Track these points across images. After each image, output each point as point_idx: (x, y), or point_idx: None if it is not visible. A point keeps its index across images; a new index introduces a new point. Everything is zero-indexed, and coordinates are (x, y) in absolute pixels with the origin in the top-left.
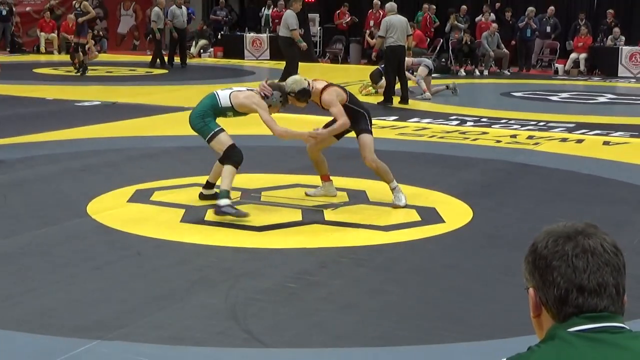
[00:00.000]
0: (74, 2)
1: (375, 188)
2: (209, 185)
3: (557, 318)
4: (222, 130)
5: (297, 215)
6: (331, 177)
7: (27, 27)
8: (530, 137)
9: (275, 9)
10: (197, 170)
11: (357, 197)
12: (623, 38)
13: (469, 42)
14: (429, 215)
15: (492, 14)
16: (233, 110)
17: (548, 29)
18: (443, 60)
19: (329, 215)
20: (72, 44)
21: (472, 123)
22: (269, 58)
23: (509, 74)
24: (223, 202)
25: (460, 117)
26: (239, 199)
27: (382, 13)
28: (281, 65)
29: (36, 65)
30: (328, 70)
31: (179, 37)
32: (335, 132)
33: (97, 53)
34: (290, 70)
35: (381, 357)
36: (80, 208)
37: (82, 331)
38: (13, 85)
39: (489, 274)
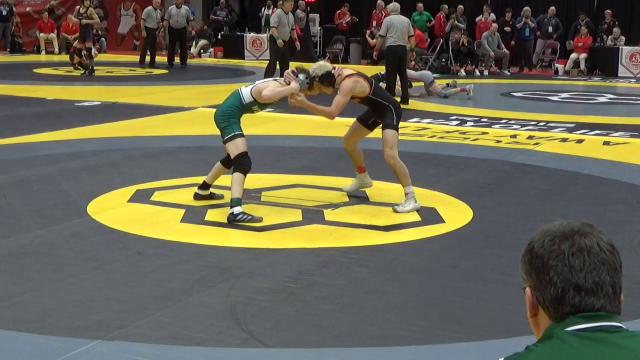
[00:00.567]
0: (78, 6)
1: (376, 188)
2: (205, 185)
3: (554, 317)
4: (242, 135)
5: (297, 215)
6: (331, 177)
7: (27, 27)
8: (530, 137)
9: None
10: (197, 171)
11: (357, 197)
12: (623, 38)
13: (466, 44)
14: (429, 215)
15: (491, 13)
16: (257, 104)
17: (550, 29)
18: (443, 60)
19: (329, 215)
20: (73, 45)
21: (472, 123)
22: (269, 58)
23: (509, 74)
24: (236, 209)
25: (460, 117)
26: None
27: (384, 13)
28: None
29: (36, 65)
30: None
31: (177, 38)
32: (315, 111)
33: (96, 53)
34: (269, 65)
35: (381, 357)
36: (80, 208)
37: (82, 331)
38: (13, 86)
39: (488, 274)
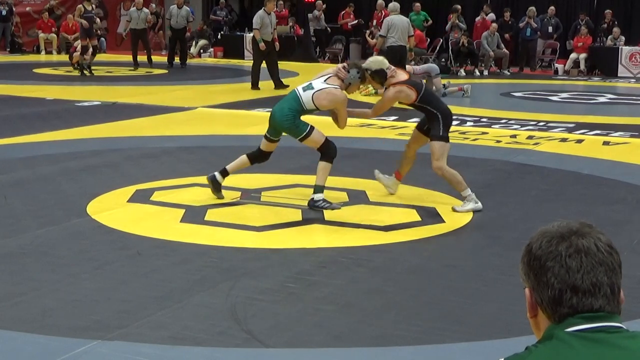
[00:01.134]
0: (80, 5)
1: (376, 188)
2: (224, 172)
3: (553, 318)
4: (312, 128)
5: (297, 216)
6: (332, 177)
7: (27, 27)
8: (530, 137)
9: (275, 9)
10: (196, 171)
11: (357, 197)
12: (623, 38)
13: (466, 44)
14: (429, 215)
15: (490, 14)
16: (318, 110)
17: (550, 29)
18: (443, 60)
19: (328, 215)
20: (73, 45)
21: (472, 123)
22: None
23: (509, 74)
24: (317, 196)
25: (460, 117)
26: (238, 199)
27: (384, 13)
28: (280, 65)
29: (36, 65)
30: None
31: (177, 38)
32: (354, 115)
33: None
34: (253, 68)
35: (381, 357)
36: (80, 208)
37: (83, 331)
38: (13, 86)
39: (488, 274)
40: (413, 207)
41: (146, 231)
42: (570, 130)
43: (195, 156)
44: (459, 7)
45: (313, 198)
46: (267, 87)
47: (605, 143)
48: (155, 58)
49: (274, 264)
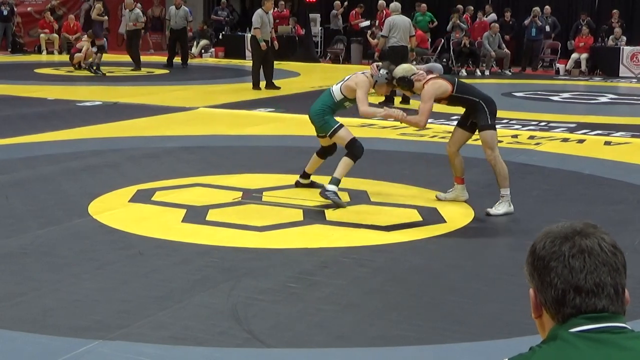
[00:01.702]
0: (97, 4)
1: (376, 188)
2: (305, 175)
3: (557, 319)
4: (341, 126)
5: (298, 216)
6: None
7: (28, 27)
8: (531, 137)
9: (276, 9)
10: (198, 171)
11: (358, 197)
12: (624, 38)
13: (468, 45)
14: (430, 215)
15: (491, 14)
16: (348, 100)
17: (547, 28)
18: (444, 60)
19: (330, 215)
20: (74, 46)
21: None
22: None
23: (510, 74)
24: (331, 187)
25: None
26: (240, 198)
27: (385, 13)
28: (281, 65)
29: (37, 65)
30: (329, 70)
31: (176, 38)
32: (409, 124)
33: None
34: (253, 68)
35: (382, 357)
36: (81, 208)
37: (84, 331)
38: (14, 86)
39: (490, 274)
40: (414, 207)
41: (147, 231)
42: (571, 130)
43: (196, 156)
44: (461, 7)
45: (325, 187)
46: None
47: (607, 143)
48: (156, 58)
49: (275, 264)
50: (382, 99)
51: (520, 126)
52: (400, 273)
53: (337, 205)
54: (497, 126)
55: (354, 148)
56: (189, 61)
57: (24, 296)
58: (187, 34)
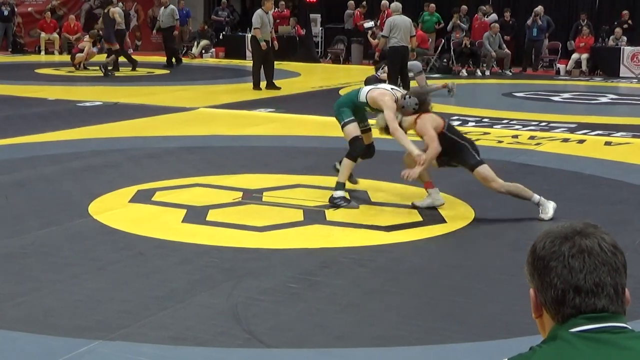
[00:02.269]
0: (121, 5)
1: (377, 188)
2: (350, 176)
3: (556, 319)
4: (351, 121)
5: (298, 216)
6: (333, 177)
7: (28, 27)
8: (531, 138)
9: (276, 9)
10: (198, 171)
11: (359, 197)
12: (625, 38)
13: (469, 45)
14: (431, 216)
15: (492, 14)
16: (368, 106)
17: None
18: (445, 60)
19: (330, 215)
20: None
21: (473, 123)
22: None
23: (510, 74)
24: (337, 193)
25: (461, 118)
26: (240, 199)
27: (387, 13)
28: (282, 65)
29: (38, 65)
30: (330, 70)
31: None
32: (431, 158)
33: (95, 51)
34: (254, 68)
35: (382, 358)
36: (82, 208)
37: (84, 331)
38: (15, 86)
39: (490, 274)
40: (414, 207)
41: (148, 231)
42: (572, 130)
43: (196, 156)
44: (466, 7)
45: (333, 195)
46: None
47: (607, 143)
48: (156, 59)
49: (275, 264)
50: None
51: (520, 126)
52: (400, 273)
53: (350, 208)
54: (495, 126)
55: (353, 146)
56: (190, 61)
57: (24, 296)
58: (172, 33)
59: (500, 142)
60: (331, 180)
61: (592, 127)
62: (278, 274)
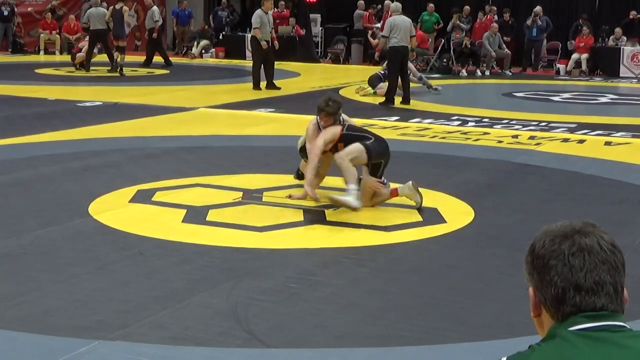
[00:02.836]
0: (123, 6)
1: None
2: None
3: (556, 317)
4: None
5: (298, 216)
6: (333, 177)
7: (28, 27)
8: (531, 138)
9: (276, 9)
10: (198, 171)
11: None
12: (625, 38)
13: (469, 45)
14: (431, 216)
15: (494, 15)
16: None
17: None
18: (444, 60)
19: (330, 215)
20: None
21: (473, 123)
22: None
23: (510, 74)
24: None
25: (461, 118)
26: (240, 199)
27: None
28: (282, 65)
29: (38, 65)
30: (330, 70)
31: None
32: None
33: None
34: (254, 68)
35: (382, 358)
36: (82, 208)
37: (84, 331)
38: (15, 86)
39: (490, 274)
40: (414, 207)
41: (148, 231)
42: (572, 130)
43: (196, 156)
44: (468, 7)
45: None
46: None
47: (607, 143)
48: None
49: (275, 264)
50: (382, 99)
51: (520, 126)
52: (400, 273)
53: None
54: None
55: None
56: (190, 61)
57: (24, 296)
58: (152, 35)
59: (500, 142)
60: (331, 181)
61: (592, 127)
62: (278, 274)
